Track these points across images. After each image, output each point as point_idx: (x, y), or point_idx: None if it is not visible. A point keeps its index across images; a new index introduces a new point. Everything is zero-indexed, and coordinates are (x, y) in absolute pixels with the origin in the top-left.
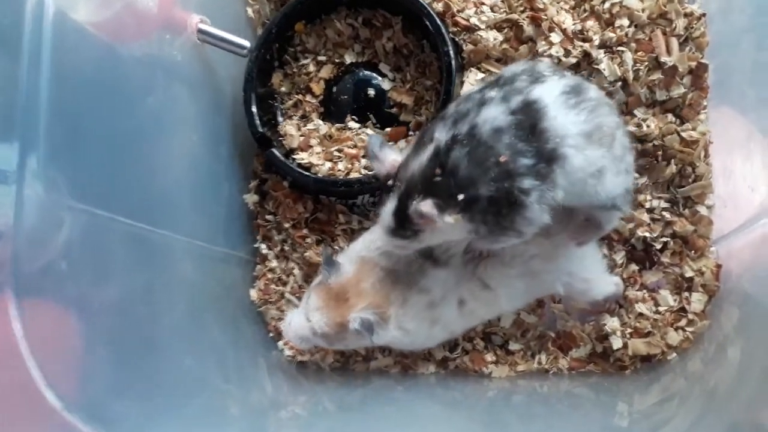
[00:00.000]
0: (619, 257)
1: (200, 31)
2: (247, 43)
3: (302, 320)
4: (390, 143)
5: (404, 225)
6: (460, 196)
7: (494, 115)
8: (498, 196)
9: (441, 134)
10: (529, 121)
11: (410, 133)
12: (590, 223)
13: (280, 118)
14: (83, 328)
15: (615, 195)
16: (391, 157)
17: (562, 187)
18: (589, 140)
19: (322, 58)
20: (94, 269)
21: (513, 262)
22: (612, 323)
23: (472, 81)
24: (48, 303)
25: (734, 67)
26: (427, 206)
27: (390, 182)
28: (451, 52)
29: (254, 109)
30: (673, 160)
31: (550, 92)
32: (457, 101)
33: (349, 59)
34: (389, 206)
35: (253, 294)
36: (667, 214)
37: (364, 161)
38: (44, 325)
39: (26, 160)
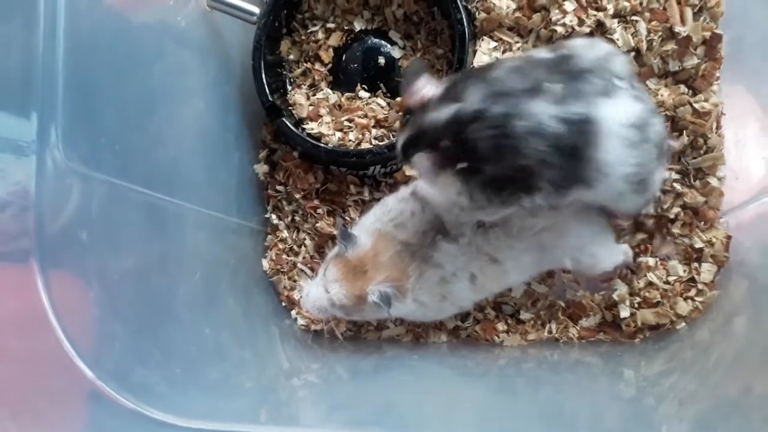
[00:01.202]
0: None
1: None
2: (256, 10)
3: (321, 292)
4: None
5: (410, 161)
6: (462, 165)
7: (542, 115)
8: (504, 179)
9: (472, 97)
10: (576, 141)
11: None
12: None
13: (288, 87)
14: (104, 298)
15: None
16: (424, 91)
17: (585, 196)
18: (636, 173)
19: (330, 25)
20: (113, 239)
21: (521, 235)
22: (620, 292)
23: (484, 50)
24: (70, 272)
25: (748, 38)
26: (424, 161)
27: (408, 115)
28: (465, 20)
29: (263, 77)
30: (684, 132)
31: (616, 119)
32: (512, 65)
33: (358, 26)
34: (402, 138)
35: (265, 264)
36: (678, 186)
37: (374, 131)
38: (68, 294)
39: (45, 131)
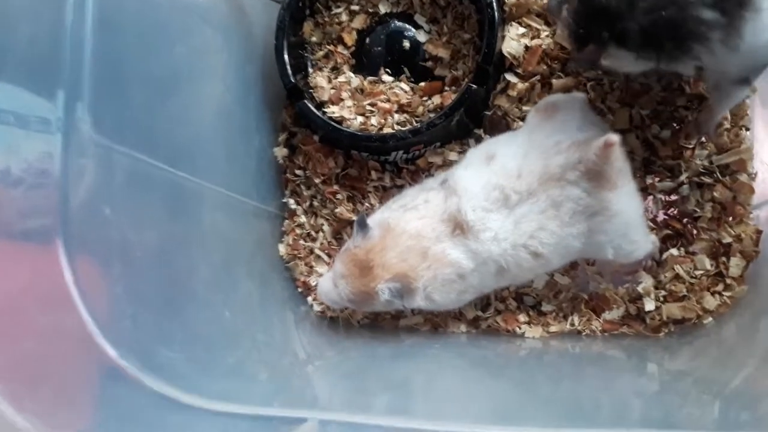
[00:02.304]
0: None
1: None
2: None
3: (330, 285)
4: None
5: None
6: (605, 34)
7: None
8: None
9: None
10: None
11: (445, 88)
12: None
13: (310, 69)
14: (127, 275)
15: None
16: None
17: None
18: None
19: (354, 7)
20: (135, 215)
21: (574, 219)
22: (645, 284)
23: (513, 35)
24: (93, 249)
25: None
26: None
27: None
28: (495, 4)
29: (286, 58)
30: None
31: None
32: None
33: (383, 9)
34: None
35: (282, 249)
36: (706, 178)
37: (397, 116)
38: (91, 272)
39: (72, 103)
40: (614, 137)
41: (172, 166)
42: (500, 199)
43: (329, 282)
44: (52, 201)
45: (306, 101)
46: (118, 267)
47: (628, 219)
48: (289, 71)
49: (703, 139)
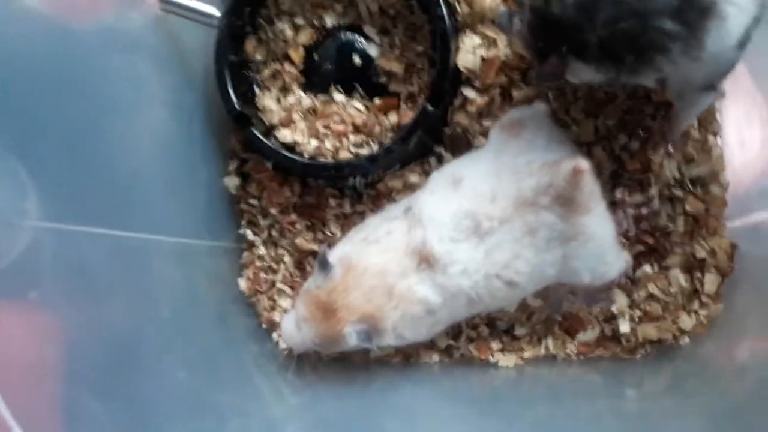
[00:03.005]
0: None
1: (163, 1)
2: (215, 11)
3: (293, 328)
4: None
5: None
6: (563, 48)
7: None
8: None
9: None
10: None
11: (401, 104)
12: None
13: (257, 90)
14: (62, 362)
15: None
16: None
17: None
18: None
19: (299, 20)
20: (69, 291)
21: (549, 245)
22: (619, 305)
23: (468, 47)
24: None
25: None
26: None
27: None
28: (446, 16)
29: (228, 82)
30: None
31: None
32: None
33: (329, 21)
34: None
35: (242, 284)
36: (677, 191)
37: (353, 138)
38: (17, 364)
39: None
40: (584, 164)
41: (106, 227)
42: (470, 228)
43: (292, 324)
44: None
45: (254, 129)
46: (50, 352)
47: (602, 241)
48: (233, 98)
49: (670, 149)
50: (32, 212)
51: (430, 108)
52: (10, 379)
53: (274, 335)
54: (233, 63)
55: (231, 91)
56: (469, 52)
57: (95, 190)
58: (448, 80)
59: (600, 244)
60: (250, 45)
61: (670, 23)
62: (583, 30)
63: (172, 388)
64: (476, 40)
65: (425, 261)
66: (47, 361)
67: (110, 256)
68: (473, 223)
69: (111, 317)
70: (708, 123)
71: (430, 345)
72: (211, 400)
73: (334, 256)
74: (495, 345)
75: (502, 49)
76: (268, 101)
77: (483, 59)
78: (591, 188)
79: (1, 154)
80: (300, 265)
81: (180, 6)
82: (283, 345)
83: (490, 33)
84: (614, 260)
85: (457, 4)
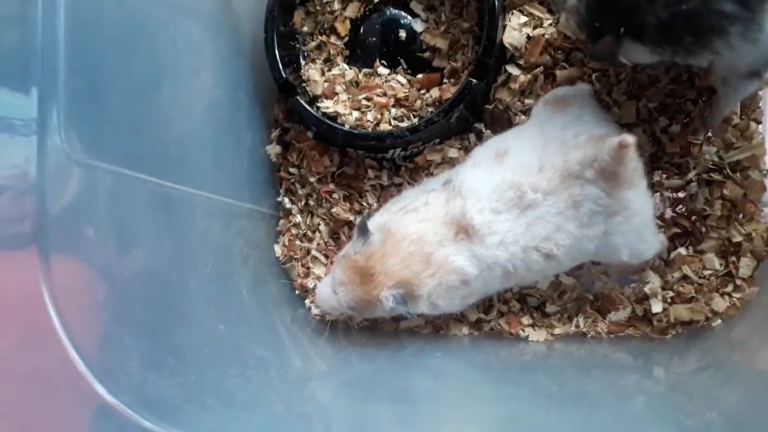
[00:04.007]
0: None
1: None
2: None
3: (329, 292)
4: None
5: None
6: (620, 28)
7: None
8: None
9: None
10: None
11: (443, 80)
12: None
13: (302, 61)
14: (113, 299)
15: None
16: None
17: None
18: None
19: None
20: (121, 233)
21: (592, 220)
22: (653, 285)
23: (515, 25)
24: (75, 271)
25: None
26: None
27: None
28: None
29: (276, 51)
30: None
31: None
32: None
33: None
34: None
35: (278, 250)
36: (715, 175)
37: (394, 111)
38: (75, 297)
39: (47, 115)
40: (630, 138)
41: (157, 176)
42: (513, 199)
43: (328, 288)
44: (27, 207)
45: (298, 97)
46: (104, 289)
47: (645, 218)
48: (280, 66)
49: (710, 134)
50: (95, 154)
51: (474, 81)
52: (71, 311)
53: (307, 301)
54: (282, 33)
55: (278, 59)
56: (515, 29)
57: (151, 142)
58: (493, 57)
59: (642, 221)
60: (299, 16)
61: (731, 5)
62: (642, 11)
63: (212, 338)
64: (523, 18)
65: (463, 231)
66: (99, 298)
67: (159, 207)
68: (517, 194)
69: (157, 265)
70: (751, 110)
71: (460, 318)
72: (249, 351)
73: (373, 223)
74: (526, 320)
75: (548, 28)
76: (312, 72)
77: (528, 37)
78: (635, 164)
79: (73, 99)
80: (335, 235)
81: None
82: (315, 311)
83: (537, 12)
84: (652, 240)
85: None
